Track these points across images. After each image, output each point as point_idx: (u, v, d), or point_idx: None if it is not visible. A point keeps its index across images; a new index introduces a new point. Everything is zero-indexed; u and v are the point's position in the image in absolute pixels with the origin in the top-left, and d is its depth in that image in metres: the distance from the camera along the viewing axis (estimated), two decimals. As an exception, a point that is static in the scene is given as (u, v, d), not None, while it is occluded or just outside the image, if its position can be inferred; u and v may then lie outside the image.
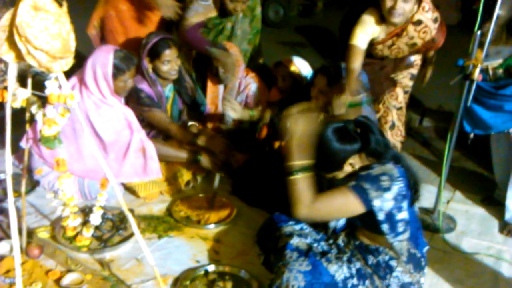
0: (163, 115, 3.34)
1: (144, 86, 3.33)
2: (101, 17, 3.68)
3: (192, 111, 3.68)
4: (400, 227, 2.02)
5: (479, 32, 2.69)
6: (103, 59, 2.91)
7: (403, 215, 2.01)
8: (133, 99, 3.28)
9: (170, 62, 3.29)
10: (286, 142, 2.04)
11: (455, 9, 7.80)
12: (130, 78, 3.02)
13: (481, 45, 2.73)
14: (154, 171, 3.13)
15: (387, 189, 1.96)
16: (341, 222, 2.29)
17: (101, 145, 3.00)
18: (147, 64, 3.31)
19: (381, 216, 1.97)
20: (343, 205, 1.99)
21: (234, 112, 3.25)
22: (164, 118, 3.34)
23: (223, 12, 3.69)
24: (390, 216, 1.99)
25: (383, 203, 1.96)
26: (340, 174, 2.11)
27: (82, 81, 2.96)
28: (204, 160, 3.21)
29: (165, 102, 3.46)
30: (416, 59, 3.47)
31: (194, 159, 3.21)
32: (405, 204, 2.02)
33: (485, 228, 3.10)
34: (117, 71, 2.93)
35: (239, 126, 3.68)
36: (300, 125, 2.02)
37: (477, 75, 2.74)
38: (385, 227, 2.00)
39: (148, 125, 3.41)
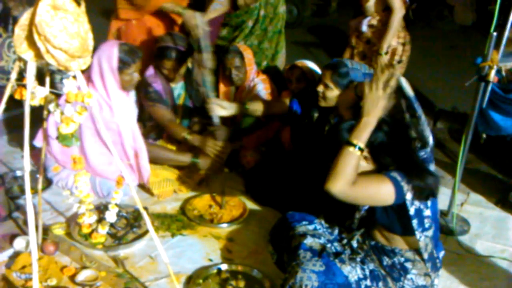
0: (165, 112, 3.36)
1: (155, 80, 3.36)
2: (119, 26, 3.72)
3: (201, 115, 3.70)
4: (427, 223, 2.05)
5: (495, 34, 2.67)
6: (108, 53, 2.93)
7: (428, 212, 2.05)
8: (142, 92, 3.31)
9: (169, 69, 3.37)
10: (365, 116, 1.96)
11: (470, 9, 7.73)
12: (136, 71, 3.03)
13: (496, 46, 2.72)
14: (144, 179, 3.15)
15: None
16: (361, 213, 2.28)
17: (105, 145, 3.03)
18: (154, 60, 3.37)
19: (412, 210, 1.99)
20: (377, 192, 1.98)
21: (222, 109, 3.14)
22: (165, 115, 3.35)
23: (235, 5, 3.75)
24: (419, 212, 2.01)
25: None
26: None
27: (89, 78, 2.98)
28: (202, 162, 3.21)
29: (174, 98, 3.48)
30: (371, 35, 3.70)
31: (191, 162, 3.22)
32: (429, 201, 2.05)
33: (499, 230, 3.07)
34: (123, 65, 2.94)
35: (236, 125, 3.66)
36: (383, 108, 1.97)
37: (492, 76, 2.73)
38: (415, 222, 2.01)
39: (155, 127, 3.45)
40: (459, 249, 2.87)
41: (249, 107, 3.23)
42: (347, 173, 1.92)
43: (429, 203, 2.05)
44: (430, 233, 2.07)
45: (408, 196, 1.98)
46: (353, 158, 1.93)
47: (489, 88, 2.77)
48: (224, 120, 3.47)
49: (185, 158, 3.25)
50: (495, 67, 2.71)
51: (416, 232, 2.03)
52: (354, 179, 1.93)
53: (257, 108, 3.27)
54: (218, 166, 3.21)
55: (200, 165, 3.23)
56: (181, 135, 3.28)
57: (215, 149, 3.23)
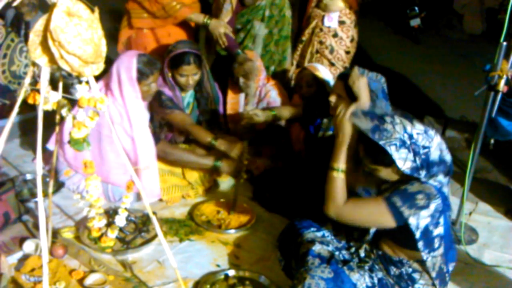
0: (184, 116, 3.37)
1: (165, 89, 3.38)
2: (129, 35, 3.76)
3: (208, 122, 3.71)
4: (436, 243, 2.01)
5: (504, 43, 2.67)
6: (127, 64, 2.96)
7: (439, 230, 2.00)
8: (155, 101, 3.32)
9: (187, 76, 3.35)
10: (337, 141, 2.16)
11: (480, 19, 7.72)
12: (154, 82, 3.06)
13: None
14: (154, 193, 3.15)
15: (424, 207, 1.95)
16: (373, 230, 2.26)
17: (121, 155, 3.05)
18: (167, 70, 3.37)
19: (417, 234, 1.96)
20: (373, 215, 2.02)
21: (257, 118, 3.25)
22: (185, 119, 3.36)
23: (242, 3, 3.80)
24: (426, 233, 1.98)
25: (419, 220, 1.95)
26: (382, 172, 2.09)
27: (107, 86, 3.01)
28: (224, 166, 3.22)
29: (183, 107, 3.50)
30: (339, 31, 3.99)
31: (214, 165, 3.23)
32: (442, 219, 2.00)
33: (508, 240, 3.06)
34: (141, 76, 2.97)
35: (260, 130, 3.69)
36: (352, 129, 2.13)
37: (502, 86, 2.73)
38: (420, 244, 1.98)
39: (170, 130, 3.45)
40: (467, 258, 2.86)
41: (277, 112, 3.34)
42: (335, 196, 2.10)
43: (441, 220, 2.00)
44: (440, 251, 2.04)
45: (412, 220, 1.95)
46: (337, 181, 2.12)
47: (499, 98, 2.77)
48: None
49: (208, 161, 3.25)
50: (504, 76, 2.71)
51: (423, 254, 2.01)
52: (343, 200, 2.08)
53: (283, 113, 3.39)
54: (239, 170, 3.21)
55: (222, 168, 3.23)
56: (206, 140, 3.28)
57: (241, 153, 3.22)
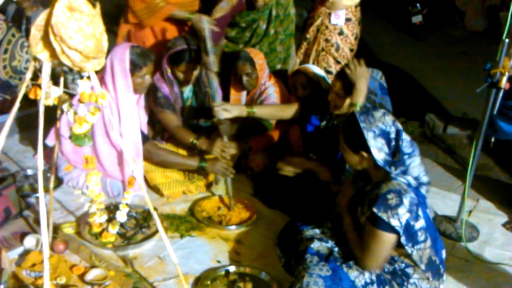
0: (173, 118, 3.35)
1: (162, 85, 3.37)
2: (129, 29, 3.75)
3: (205, 116, 3.70)
4: (420, 236, 2.02)
5: (507, 40, 2.67)
6: (120, 55, 2.95)
7: (420, 223, 2.02)
8: (151, 97, 3.32)
9: (187, 72, 3.34)
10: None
11: (482, 16, 7.70)
12: (148, 74, 3.05)
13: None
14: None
15: (398, 205, 1.96)
16: None
17: (113, 146, 3.07)
18: (166, 66, 3.36)
19: (401, 231, 1.98)
20: (384, 246, 2.03)
21: (226, 112, 3.15)
22: (172, 121, 3.35)
23: (251, 5, 3.77)
24: (408, 227, 1.99)
25: (400, 219, 1.96)
26: (348, 156, 2.14)
27: (102, 80, 3.00)
28: (209, 166, 3.19)
29: (181, 103, 3.49)
30: (345, 29, 3.95)
31: (199, 166, 3.22)
32: (420, 212, 2.02)
33: (508, 238, 3.06)
34: (134, 67, 2.96)
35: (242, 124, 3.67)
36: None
37: (504, 83, 2.72)
38: (402, 239, 2.00)
39: (162, 129, 3.46)
40: (468, 255, 2.86)
41: (255, 110, 3.24)
42: (354, 251, 2.18)
43: (420, 212, 2.02)
44: (427, 244, 2.05)
45: (395, 222, 1.96)
46: (348, 233, 2.22)
47: (500, 95, 2.76)
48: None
49: (193, 162, 3.23)
50: (506, 73, 2.70)
51: (406, 248, 2.02)
52: (360, 254, 2.13)
53: (264, 111, 3.31)
54: (226, 168, 3.20)
55: (207, 169, 3.22)
56: (188, 141, 3.28)
57: (223, 150, 3.22)
